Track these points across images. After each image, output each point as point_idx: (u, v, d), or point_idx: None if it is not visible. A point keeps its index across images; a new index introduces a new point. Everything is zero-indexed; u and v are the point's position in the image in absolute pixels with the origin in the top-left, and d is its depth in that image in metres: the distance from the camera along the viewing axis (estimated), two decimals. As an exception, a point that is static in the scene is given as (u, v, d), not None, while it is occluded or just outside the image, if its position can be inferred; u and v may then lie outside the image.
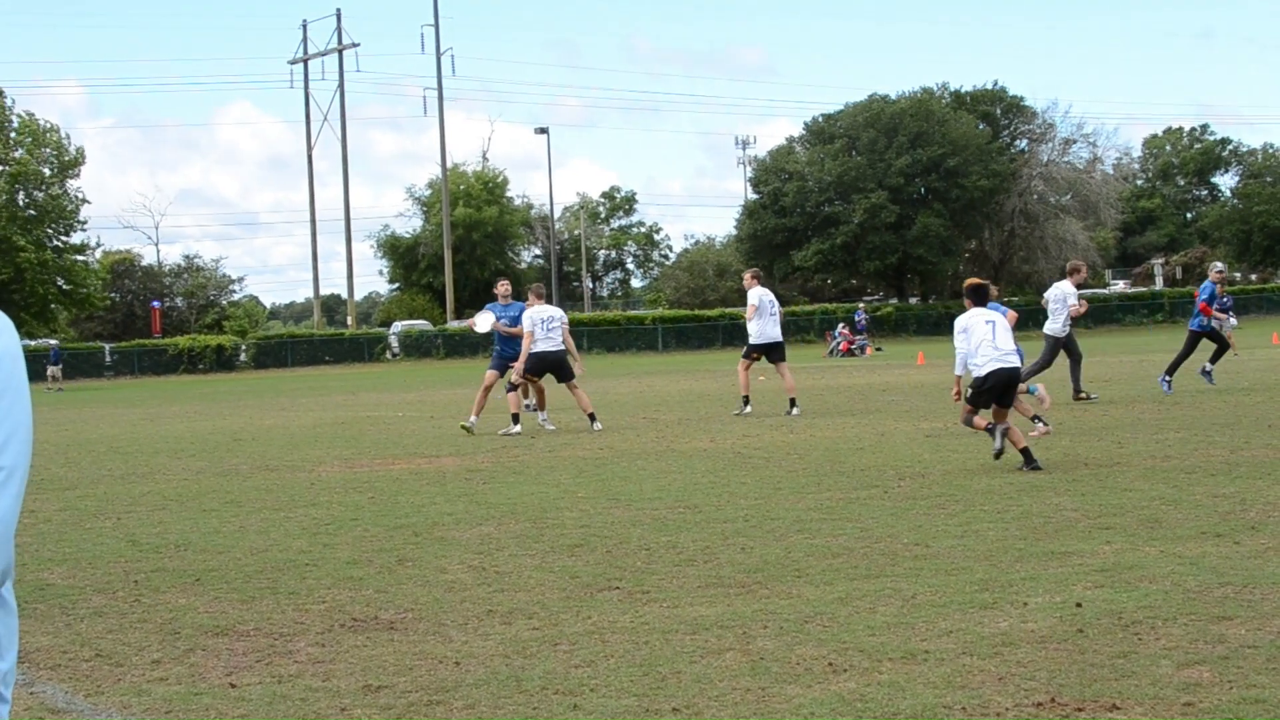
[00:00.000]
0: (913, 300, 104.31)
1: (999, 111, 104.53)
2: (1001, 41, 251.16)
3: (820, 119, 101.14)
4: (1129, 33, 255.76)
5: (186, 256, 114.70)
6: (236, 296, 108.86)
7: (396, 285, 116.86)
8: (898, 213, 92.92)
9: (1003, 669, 7.31)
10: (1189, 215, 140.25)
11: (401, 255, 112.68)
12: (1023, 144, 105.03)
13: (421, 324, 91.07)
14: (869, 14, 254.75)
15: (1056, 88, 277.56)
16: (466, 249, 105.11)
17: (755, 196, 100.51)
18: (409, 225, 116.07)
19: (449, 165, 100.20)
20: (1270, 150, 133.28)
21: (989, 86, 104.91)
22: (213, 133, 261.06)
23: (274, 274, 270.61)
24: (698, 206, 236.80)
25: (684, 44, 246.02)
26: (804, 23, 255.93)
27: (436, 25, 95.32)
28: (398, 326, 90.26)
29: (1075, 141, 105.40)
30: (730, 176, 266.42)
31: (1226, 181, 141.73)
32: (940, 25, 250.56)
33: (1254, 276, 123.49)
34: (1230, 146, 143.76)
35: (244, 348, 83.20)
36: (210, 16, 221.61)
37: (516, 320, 23.41)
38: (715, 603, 9.19)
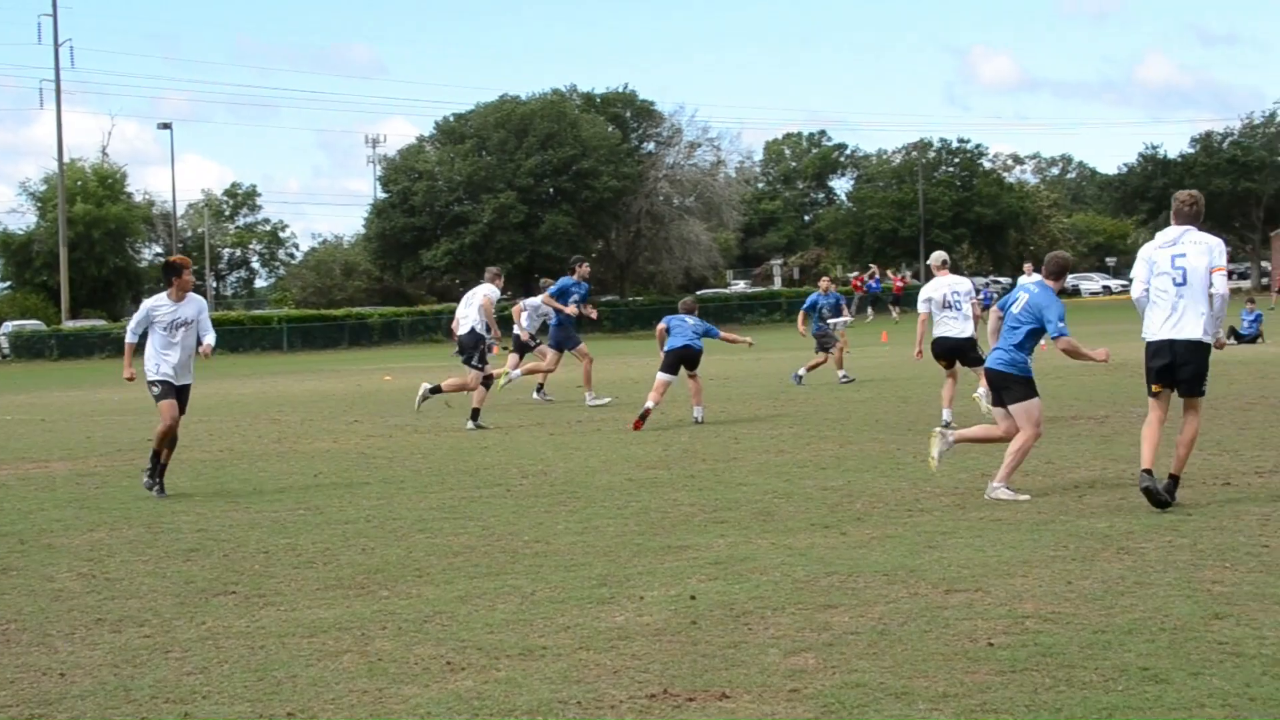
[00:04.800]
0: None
1: (629, 114, 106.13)
2: (632, 45, 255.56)
3: (451, 118, 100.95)
4: (752, 40, 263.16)
5: None
6: None
7: (9, 284, 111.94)
8: (526, 212, 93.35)
9: (618, 662, 7.42)
10: (807, 218, 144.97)
11: (14, 253, 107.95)
12: (651, 147, 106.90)
13: (34, 324, 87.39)
14: (490, 14, 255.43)
15: (684, 92, 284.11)
16: (85, 246, 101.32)
17: (384, 195, 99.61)
18: (23, 222, 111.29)
19: (66, 160, 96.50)
20: (883, 155, 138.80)
21: (620, 89, 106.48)
22: None
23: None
24: (317, 205, 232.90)
25: (290, 41, 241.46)
26: (418, 21, 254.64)
27: (55, 16, 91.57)
28: (8, 326, 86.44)
29: (700, 145, 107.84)
30: (352, 175, 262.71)
31: (842, 185, 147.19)
32: (573, 28, 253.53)
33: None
34: (846, 152, 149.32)
35: None
36: None
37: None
38: (334, 605, 9.08)
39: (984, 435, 13.16)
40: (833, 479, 14.02)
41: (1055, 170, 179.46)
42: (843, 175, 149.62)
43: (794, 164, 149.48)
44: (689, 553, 10.37)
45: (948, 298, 18.50)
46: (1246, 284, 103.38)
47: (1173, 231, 11.86)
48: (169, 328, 14.72)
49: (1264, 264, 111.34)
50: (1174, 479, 11.61)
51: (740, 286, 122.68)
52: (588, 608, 8.70)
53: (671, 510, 12.43)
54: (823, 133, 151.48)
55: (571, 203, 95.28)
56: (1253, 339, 37.17)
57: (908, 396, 23.42)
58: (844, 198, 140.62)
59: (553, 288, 25.51)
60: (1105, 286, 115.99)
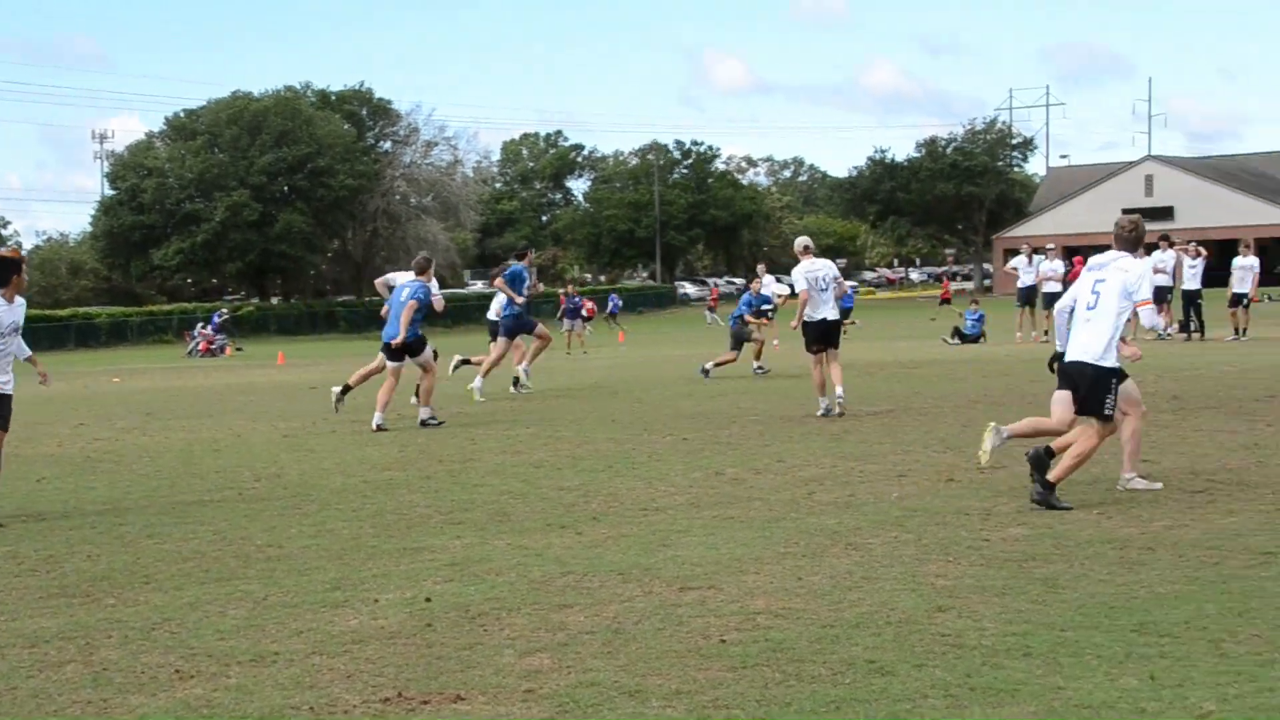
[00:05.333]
0: (275, 300, 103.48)
1: (365, 112, 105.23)
2: (366, 43, 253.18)
3: (182, 114, 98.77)
4: (489, 39, 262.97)
5: None
6: None
7: None
8: (260, 211, 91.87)
9: (352, 666, 7.35)
10: (544, 218, 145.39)
11: None
12: (387, 145, 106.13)
13: None
14: (220, 8, 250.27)
15: (420, 91, 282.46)
16: None
17: (113, 193, 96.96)
18: None
19: None
20: (619, 157, 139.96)
21: (355, 87, 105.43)
22: None
23: None
24: (42, 202, 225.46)
25: (6, 31, 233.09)
26: (143, 14, 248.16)
27: None
28: None
29: (438, 144, 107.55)
30: (79, 171, 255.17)
31: (579, 186, 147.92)
32: (306, 24, 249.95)
33: (603, 278, 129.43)
34: (584, 153, 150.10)
35: None
36: None
37: None
38: (57, 614, 8.81)
39: (1034, 429, 12.19)
40: (569, 479, 14.08)
41: (788, 173, 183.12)
42: (580, 176, 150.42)
43: (531, 164, 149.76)
44: (424, 555, 10.32)
45: (822, 280, 19.01)
46: (970, 285, 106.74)
47: (1105, 256, 11.88)
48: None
49: (986, 266, 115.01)
50: (1047, 484, 11.37)
51: (478, 287, 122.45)
52: (321, 612, 8.60)
53: (407, 512, 12.35)
54: (559, 133, 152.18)
55: (306, 201, 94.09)
56: (975, 338, 38.36)
57: (642, 398, 23.64)
58: (581, 199, 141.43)
59: (506, 273, 24.46)
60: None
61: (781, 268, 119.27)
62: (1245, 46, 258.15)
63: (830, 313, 19.13)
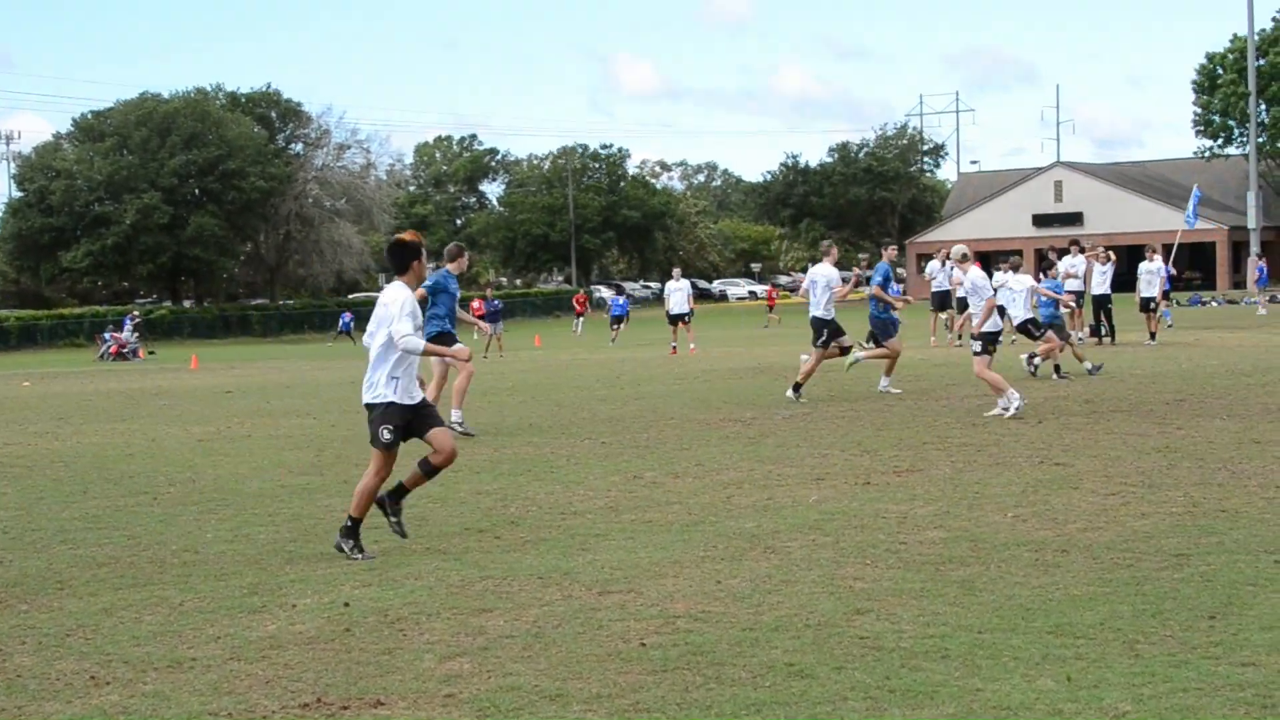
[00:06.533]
0: (187, 303, 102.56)
1: (275, 115, 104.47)
2: (277, 45, 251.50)
3: (90, 115, 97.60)
4: (401, 42, 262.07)
5: None
6: None
7: None
8: (171, 213, 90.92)
9: (270, 672, 7.31)
10: (459, 221, 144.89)
11: None
12: (299, 148, 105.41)
13: None
14: (127, 8, 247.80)
15: (332, 93, 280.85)
16: None
17: (20, 195, 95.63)
18: None
19: None
20: (534, 161, 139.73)
21: (265, 89, 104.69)
22: None
23: None
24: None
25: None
26: (46, 13, 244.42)
27: None
28: None
29: (350, 147, 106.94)
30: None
31: (494, 190, 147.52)
32: (215, 26, 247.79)
33: (519, 281, 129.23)
34: (498, 156, 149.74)
35: None
36: None
37: None
38: (-31, 621, 8.70)
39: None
40: (487, 484, 14.06)
41: (701, 177, 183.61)
42: (494, 180, 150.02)
43: (445, 168, 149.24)
44: (343, 560, 10.26)
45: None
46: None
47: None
48: None
49: (900, 270, 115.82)
50: None
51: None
52: (239, 617, 8.54)
53: (325, 517, 12.28)
54: (474, 137, 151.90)
55: (218, 204, 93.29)
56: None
57: (562, 401, 23.63)
58: (495, 202, 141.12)
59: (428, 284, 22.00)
60: (751, 292, 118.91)
61: (696, 271, 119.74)
62: (1149, 54, 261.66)
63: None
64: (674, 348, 39.81)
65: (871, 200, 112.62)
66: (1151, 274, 34.38)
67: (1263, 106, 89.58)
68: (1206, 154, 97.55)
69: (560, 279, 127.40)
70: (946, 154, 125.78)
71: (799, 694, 6.68)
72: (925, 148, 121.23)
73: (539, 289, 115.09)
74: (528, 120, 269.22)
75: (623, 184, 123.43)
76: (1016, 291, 23.57)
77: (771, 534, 10.71)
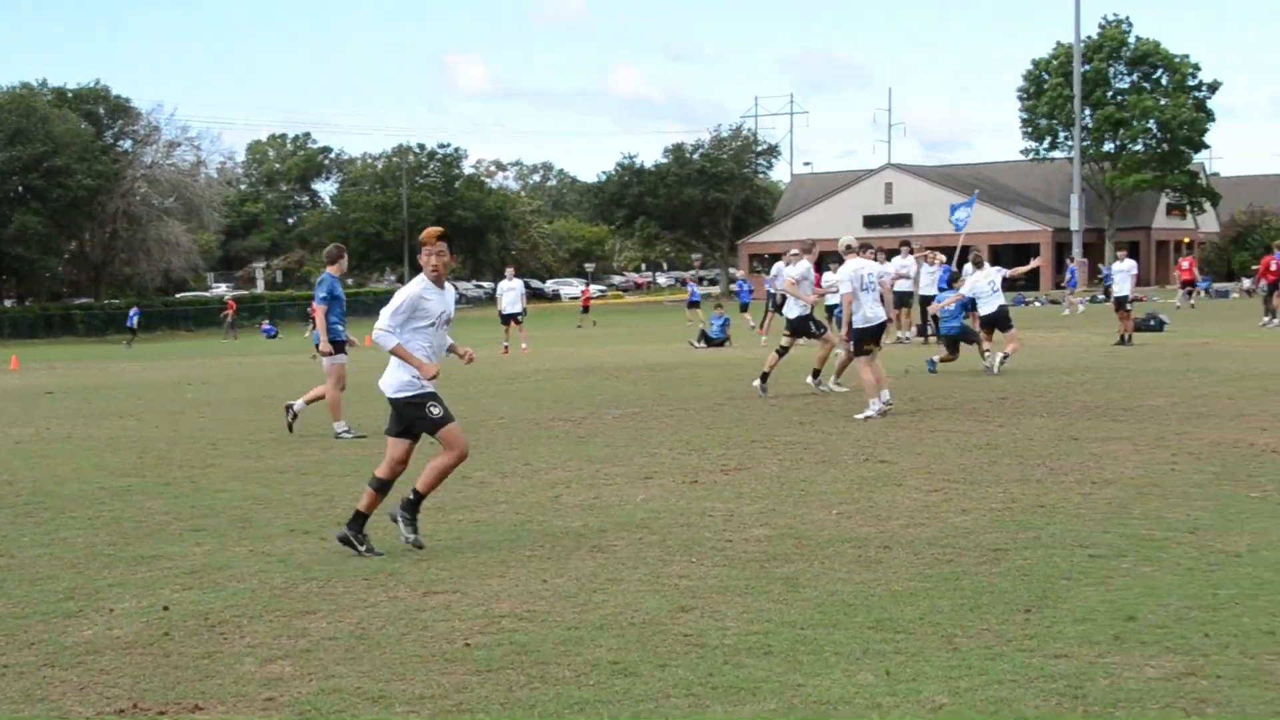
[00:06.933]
0: (8, 303, 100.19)
1: (104, 111, 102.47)
2: (106, 41, 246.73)
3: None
4: (233, 39, 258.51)
5: None
6: None
7: None
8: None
9: (85, 678, 7.16)
10: (291, 220, 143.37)
11: None
12: (127, 145, 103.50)
13: None
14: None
15: (161, 90, 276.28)
16: None
17: None
18: None
19: None
20: (367, 159, 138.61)
21: (93, 85, 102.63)
22: None
23: None
24: None
25: None
26: None
27: None
28: None
29: (180, 144, 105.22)
30: None
31: (327, 189, 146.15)
32: (40, 20, 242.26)
33: (350, 281, 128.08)
34: (331, 155, 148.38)
35: None
36: None
37: None
38: None
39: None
40: (313, 484, 13.90)
41: (537, 177, 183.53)
42: (327, 179, 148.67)
43: (278, 166, 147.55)
44: (163, 562, 10.09)
45: (865, 280, 18.87)
46: (716, 290, 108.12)
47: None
48: None
49: (732, 270, 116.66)
50: None
51: (221, 289, 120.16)
52: (54, 622, 8.35)
53: (145, 519, 12.06)
54: (307, 135, 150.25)
55: (42, 201, 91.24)
56: (721, 342, 38.89)
57: (378, 399, 23.38)
58: (329, 201, 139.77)
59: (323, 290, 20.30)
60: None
61: (530, 271, 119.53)
62: (979, 60, 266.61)
63: (881, 312, 18.99)
64: (505, 347, 39.75)
65: (705, 201, 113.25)
66: (1124, 273, 34.61)
67: (1087, 111, 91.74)
68: (1032, 155, 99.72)
69: (393, 278, 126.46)
70: (780, 155, 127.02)
71: (622, 692, 6.69)
72: (759, 149, 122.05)
73: (371, 288, 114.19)
74: (363, 119, 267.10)
75: (458, 184, 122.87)
76: (982, 284, 24.21)
77: (598, 533, 10.73)
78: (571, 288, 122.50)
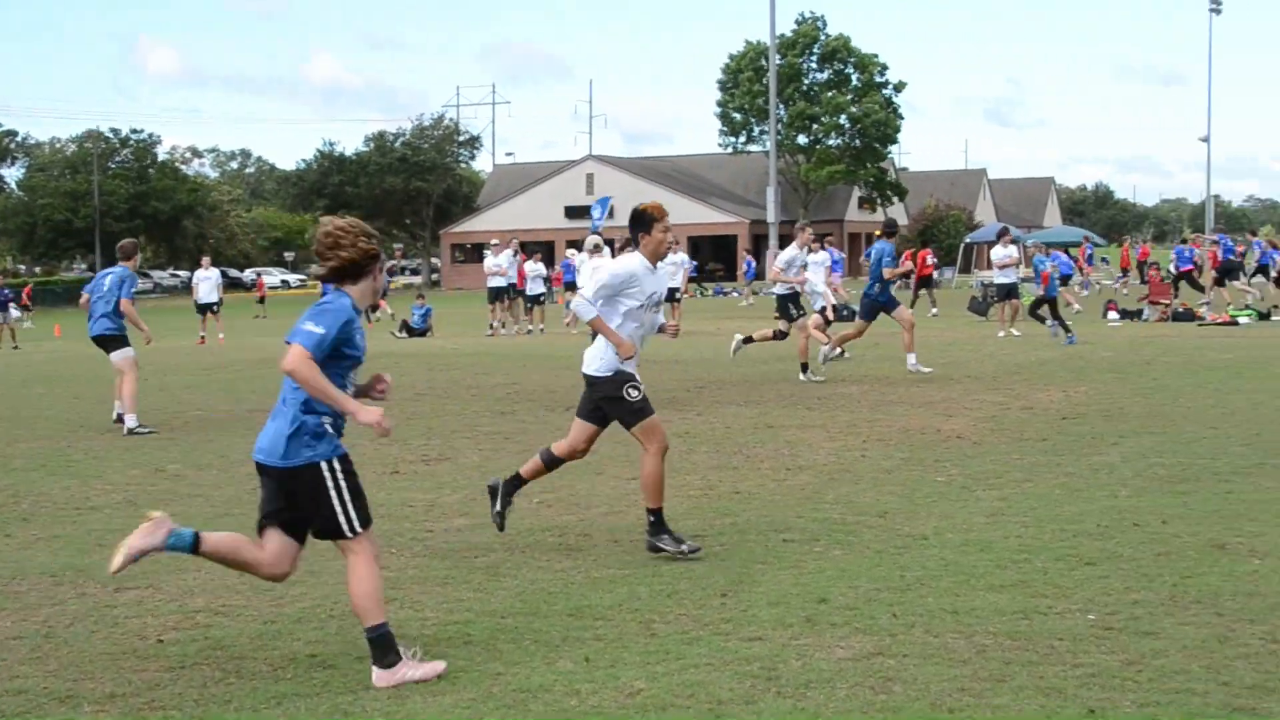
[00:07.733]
0: None
1: None
2: None
3: None
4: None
5: None
6: None
7: None
8: None
9: None
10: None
11: None
12: None
13: None
14: None
15: None
16: None
17: None
18: None
19: None
20: (56, 144, 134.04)
21: None
22: None
23: None
24: None
25: None
26: None
27: None
28: None
29: None
30: None
31: (13, 174, 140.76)
32: None
33: (38, 269, 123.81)
34: (17, 139, 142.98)
35: None
36: None
37: None
38: None
39: None
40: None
41: (235, 164, 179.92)
42: (13, 164, 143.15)
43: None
44: None
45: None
46: (419, 279, 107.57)
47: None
48: None
49: (434, 260, 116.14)
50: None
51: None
52: None
53: None
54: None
55: None
56: (423, 332, 38.72)
57: (80, 394, 22.74)
58: (15, 186, 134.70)
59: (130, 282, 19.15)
60: (284, 280, 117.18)
61: (227, 260, 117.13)
62: (679, 54, 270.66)
63: None
64: (202, 337, 38.89)
65: (407, 190, 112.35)
66: (817, 265, 34.76)
67: (781, 107, 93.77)
68: (730, 149, 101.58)
69: (84, 267, 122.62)
70: (482, 145, 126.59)
71: (321, 685, 6.64)
72: (461, 139, 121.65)
73: (60, 277, 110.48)
74: (50, 101, 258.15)
75: (152, 170, 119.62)
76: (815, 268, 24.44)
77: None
78: (271, 277, 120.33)
